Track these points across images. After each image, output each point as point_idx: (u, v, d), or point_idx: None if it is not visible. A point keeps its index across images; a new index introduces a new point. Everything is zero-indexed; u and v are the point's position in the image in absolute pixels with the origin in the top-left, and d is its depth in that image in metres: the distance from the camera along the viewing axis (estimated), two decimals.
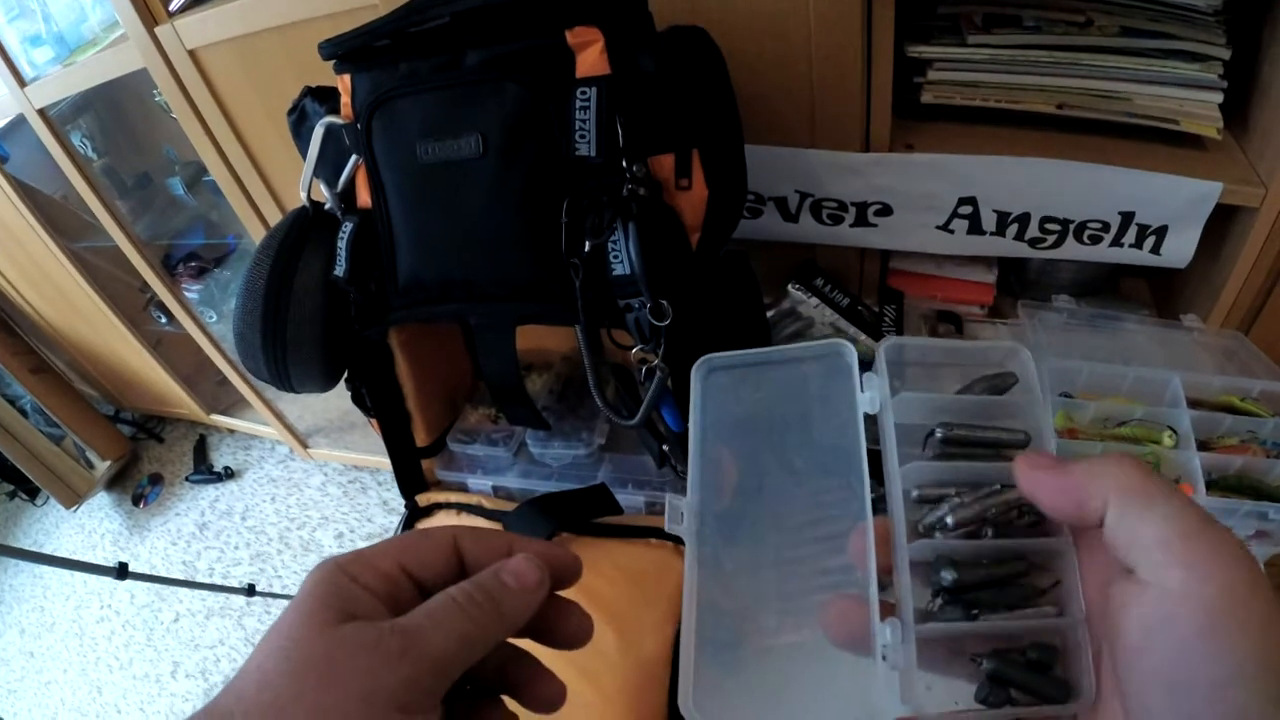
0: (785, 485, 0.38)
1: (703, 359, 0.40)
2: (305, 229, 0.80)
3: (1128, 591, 0.28)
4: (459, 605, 0.32)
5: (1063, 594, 0.32)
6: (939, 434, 0.35)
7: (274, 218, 1.43)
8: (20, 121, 1.65)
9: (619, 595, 0.78)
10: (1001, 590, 0.33)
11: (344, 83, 0.74)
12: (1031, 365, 0.35)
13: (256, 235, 1.52)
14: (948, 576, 0.32)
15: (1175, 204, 0.87)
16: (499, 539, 0.36)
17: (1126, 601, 0.28)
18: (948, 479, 0.34)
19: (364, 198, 0.76)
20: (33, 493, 2.72)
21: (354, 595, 0.31)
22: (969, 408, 0.35)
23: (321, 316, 0.80)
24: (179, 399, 2.44)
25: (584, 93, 0.63)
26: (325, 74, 0.77)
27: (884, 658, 0.31)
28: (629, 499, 0.88)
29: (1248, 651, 0.25)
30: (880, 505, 0.34)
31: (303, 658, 0.29)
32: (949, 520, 0.33)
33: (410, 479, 0.94)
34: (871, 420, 0.35)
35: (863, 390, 0.35)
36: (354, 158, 0.76)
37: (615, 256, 0.65)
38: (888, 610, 0.32)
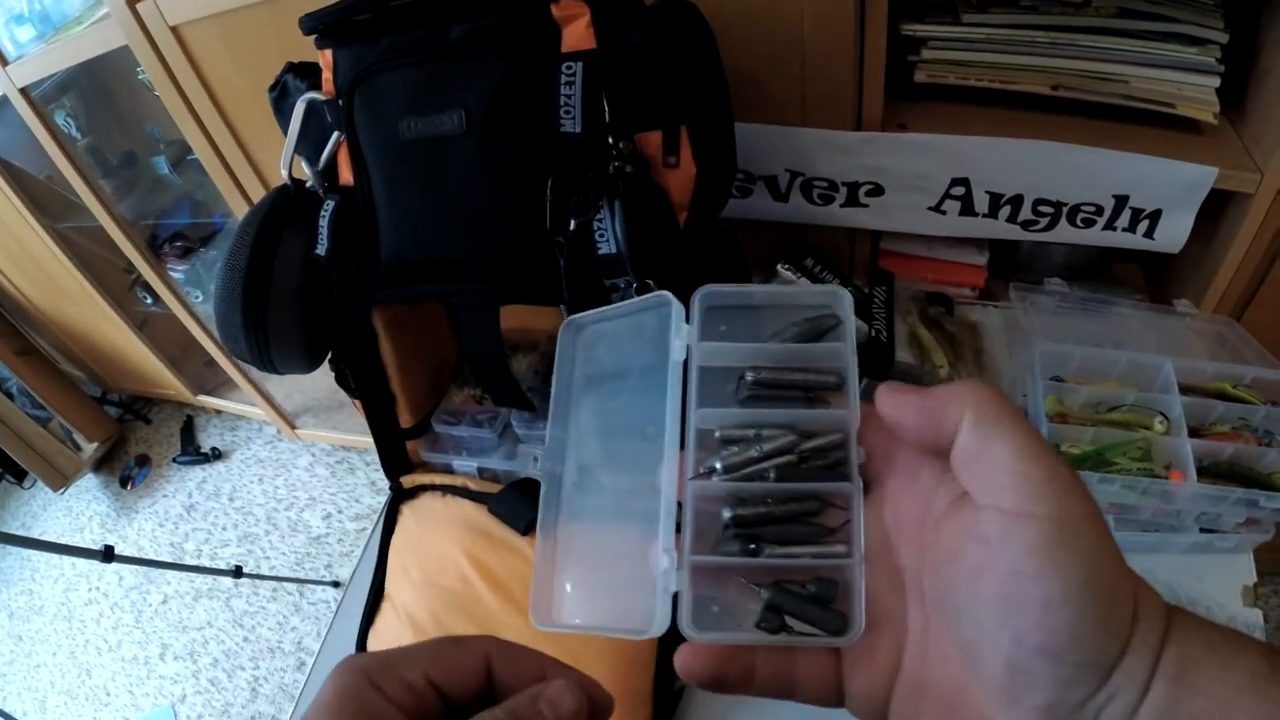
0: (623, 433, 0.40)
1: (569, 319, 0.42)
2: (286, 207, 0.78)
3: (964, 517, 0.29)
4: None
5: (849, 533, 0.33)
6: (748, 378, 0.36)
7: (258, 196, 1.40)
8: (3, 102, 1.63)
9: None
10: (790, 527, 0.34)
11: (325, 58, 0.72)
12: (849, 307, 0.37)
13: (242, 213, 1.50)
14: (726, 513, 0.35)
15: (1170, 188, 0.87)
16: (533, 660, 0.34)
17: (963, 527, 0.29)
18: (749, 421, 0.36)
19: (346, 175, 0.75)
20: (20, 475, 2.70)
21: (379, 709, 0.30)
22: (782, 353, 0.37)
23: (303, 296, 0.78)
24: (166, 380, 2.42)
25: (569, 68, 0.62)
26: (310, 50, 0.76)
27: (661, 583, 0.33)
28: None
29: (1078, 574, 0.26)
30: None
31: None
32: (718, 465, 0.35)
33: (395, 461, 0.93)
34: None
35: (674, 339, 0.37)
36: (335, 134, 0.74)
37: (601, 235, 0.63)
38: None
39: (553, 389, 0.41)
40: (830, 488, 0.34)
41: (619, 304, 0.41)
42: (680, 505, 0.35)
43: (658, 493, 0.35)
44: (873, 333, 0.93)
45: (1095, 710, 0.26)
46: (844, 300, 0.37)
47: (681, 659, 0.33)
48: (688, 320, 0.37)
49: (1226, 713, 0.24)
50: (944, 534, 0.30)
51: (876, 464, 0.35)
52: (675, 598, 0.33)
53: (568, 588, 0.37)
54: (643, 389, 0.38)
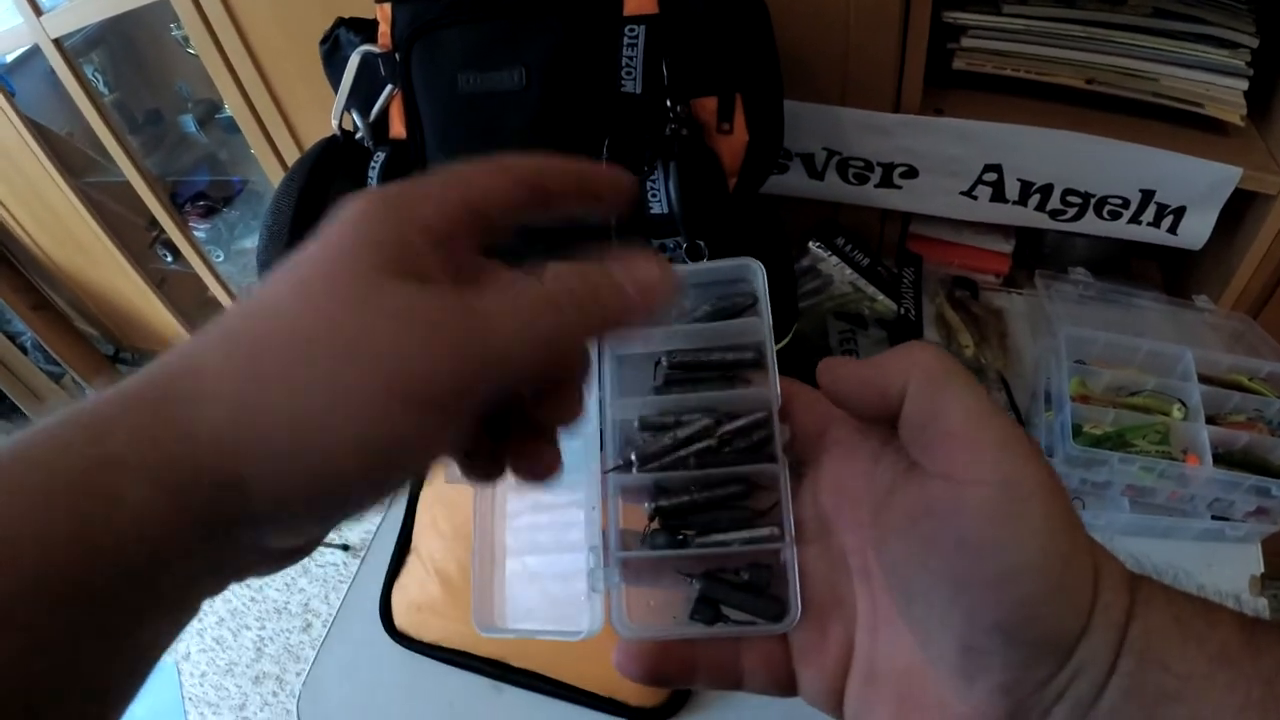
0: None
1: None
2: (336, 158, 0.80)
3: (912, 489, 0.27)
4: (556, 306, 0.24)
5: (779, 515, 0.32)
6: (664, 361, 0.35)
7: (291, 155, 1.42)
8: (29, 56, 1.64)
9: None
10: (717, 514, 0.33)
11: (384, 12, 0.74)
12: (763, 280, 0.35)
13: (273, 174, 1.51)
14: (649, 505, 0.33)
15: (1195, 186, 0.88)
16: (598, 177, 0.29)
17: (911, 499, 0.27)
18: (667, 407, 0.35)
19: (397, 128, 0.76)
20: None
21: (410, 243, 0.23)
22: (698, 333, 0.36)
23: None
24: (181, 339, 2.41)
25: (632, 30, 0.63)
26: (352, 8, 0.77)
27: (589, 581, 0.32)
28: None
29: (1033, 544, 0.24)
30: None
31: (327, 319, 0.21)
32: (633, 457, 0.34)
33: None
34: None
35: None
36: (389, 87, 0.75)
37: (654, 195, 0.65)
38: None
39: None
40: (754, 469, 0.33)
41: None
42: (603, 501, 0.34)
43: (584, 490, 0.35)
44: (901, 311, 0.95)
45: (1057, 691, 0.24)
46: (756, 273, 0.36)
47: (617, 658, 0.31)
48: None
49: (1199, 689, 0.23)
50: (892, 509, 0.28)
51: (807, 442, 0.33)
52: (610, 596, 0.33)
53: (508, 594, 0.37)
54: None
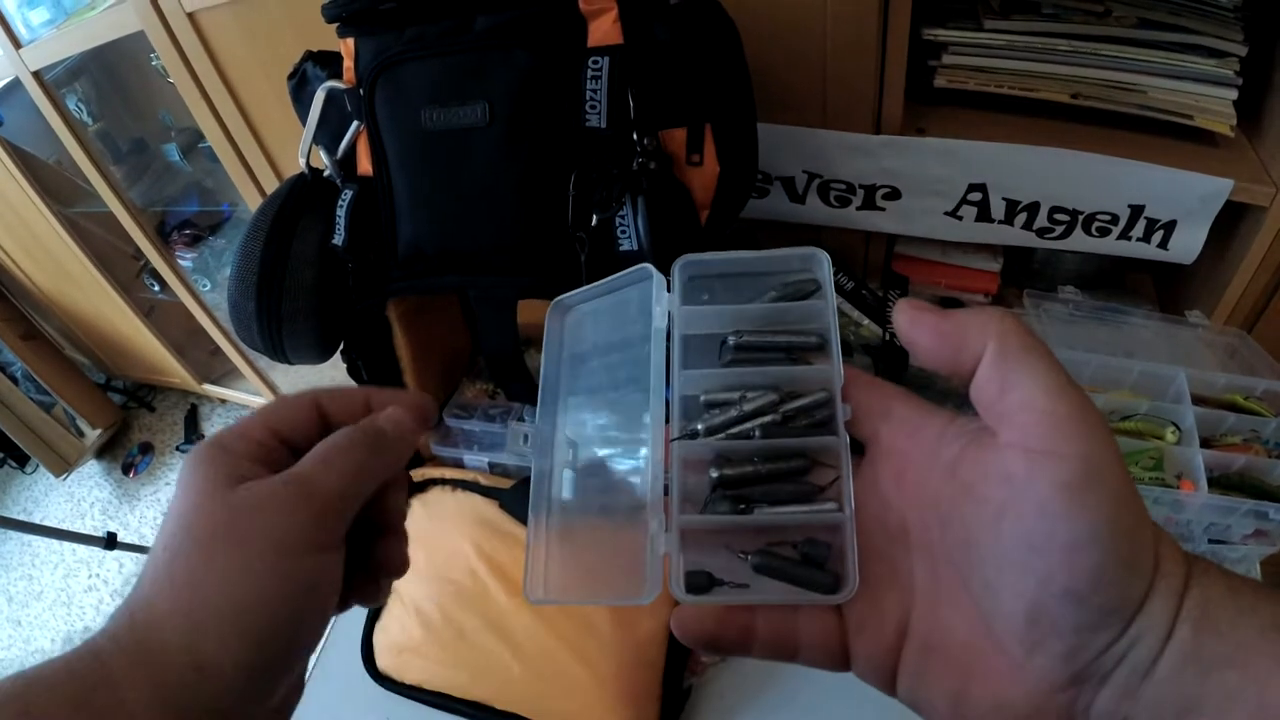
0: (613, 408, 0.40)
1: (555, 301, 0.42)
2: (303, 196, 0.78)
3: (985, 457, 0.28)
4: (344, 448, 0.33)
5: (839, 490, 0.33)
6: (730, 341, 0.37)
7: (270, 185, 1.41)
8: (14, 86, 1.63)
9: None
10: (778, 486, 0.34)
11: (347, 46, 0.72)
12: (828, 268, 0.36)
13: (253, 203, 1.50)
14: (713, 473, 0.34)
15: (1185, 199, 0.87)
16: (357, 394, 0.38)
17: (984, 467, 0.28)
18: (733, 383, 0.36)
19: (364, 165, 0.75)
20: (22, 460, 2.71)
21: (235, 463, 0.32)
22: (763, 315, 0.37)
23: (318, 286, 0.78)
24: (171, 368, 2.42)
25: (596, 62, 0.62)
26: (328, 38, 0.76)
27: (651, 545, 0.33)
28: None
29: (1104, 514, 0.25)
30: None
31: (206, 526, 0.30)
32: (700, 427, 0.35)
33: None
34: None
35: (655, 306, 0.37)
36: (355, 124, 0.74)
37: (623, 231, 0.63)
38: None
39: (542, 370, 0.41)
40: (816, 443, 0.34)
41: (601, 281, 0.40)
42: (666, 470, 0.34)
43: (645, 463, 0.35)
44: (887, 336, 0.93)
45: (1116, 657, 0.25)
46: (822, 261, 0.36)
47: (678, 621, 0.32)
48: (669, 291, 0.37)
49: (1249, 656, 0.24)
50: (960, 477, 0.29)
51: (869, 422, 0.34)
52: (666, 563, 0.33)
53: (560, 563, 0.38)
54: (627, 363, 0.38)
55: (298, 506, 0.30)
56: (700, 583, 0.32)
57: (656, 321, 0.36)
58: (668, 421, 0.35)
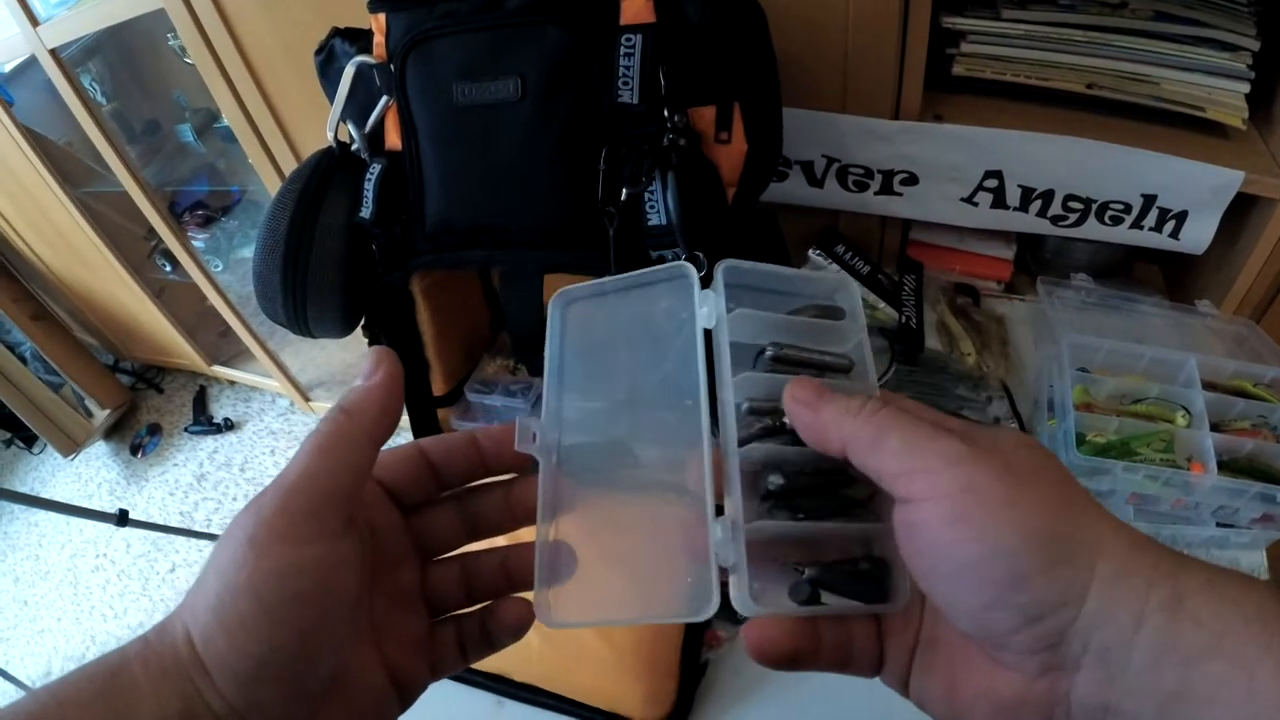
0: (635, 405, 0.39)
1: (560, 291, 0.41)
2: (331, 169, 0.79)
3: (897, 510, 0.30)
4: (313, 433, 0.33)
5: (878, 504, 0.34)
6: (770, 352, 0.36)
7: (288, 165, 1.42)
8: (27, 66, 1.64)
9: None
10: (824, 499, 0.34)
11: (378, 22, 0.73)
12: (858, 297, 0.37)
13: (270, 184, 1.51)
14: (775, 480, 0.34)
15: (1197, 190, 0.88)
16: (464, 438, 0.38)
17: (898, 519, 0.30)
18: (777, 392, 0.35)
19: (393, 139, 0.76)
20: (30, 440, 2.72)
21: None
22: (800, 329, 0.37)
23: (344, 260, 0.79)
24: (180, 349, 2.43)
25: (629, 39, 0.63)
26: (350, 18, 0.77)
27: (716, 555, 0.32)
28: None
29: (996, 529, 0.27)
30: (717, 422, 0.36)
31: (256, 574, 0.30)
32: (750, 432, 0.35)
33: (427, 428, 0.94)
34: (710, 338, 0.37)
35: (700, 307, 0.36)
36: (384, 98, 0.75)
37: (652, 206, 0.64)
38: None
39: (545, 362, 0.40)
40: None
41: (617, 276, 0.39)
42: (721, 476, 0.33)
43: (682, 466, 0.34)
44: (903, 319, 0.95)
45: (1080, 644, 0.26)
46: (852, 291, 0.37)
47: (759, 635, 0.32)
48: (709, 289, 0.36)
49: (1234, 645, 0.24)
50: (895, 523, 0.31)
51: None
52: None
53: (581, 576, 0.36)
54: (654, 361, 0.37)
55: (266, 499, 0.30)
56: (804, 595, 0.33)
57: (703, 321, 0.36)
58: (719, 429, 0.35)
